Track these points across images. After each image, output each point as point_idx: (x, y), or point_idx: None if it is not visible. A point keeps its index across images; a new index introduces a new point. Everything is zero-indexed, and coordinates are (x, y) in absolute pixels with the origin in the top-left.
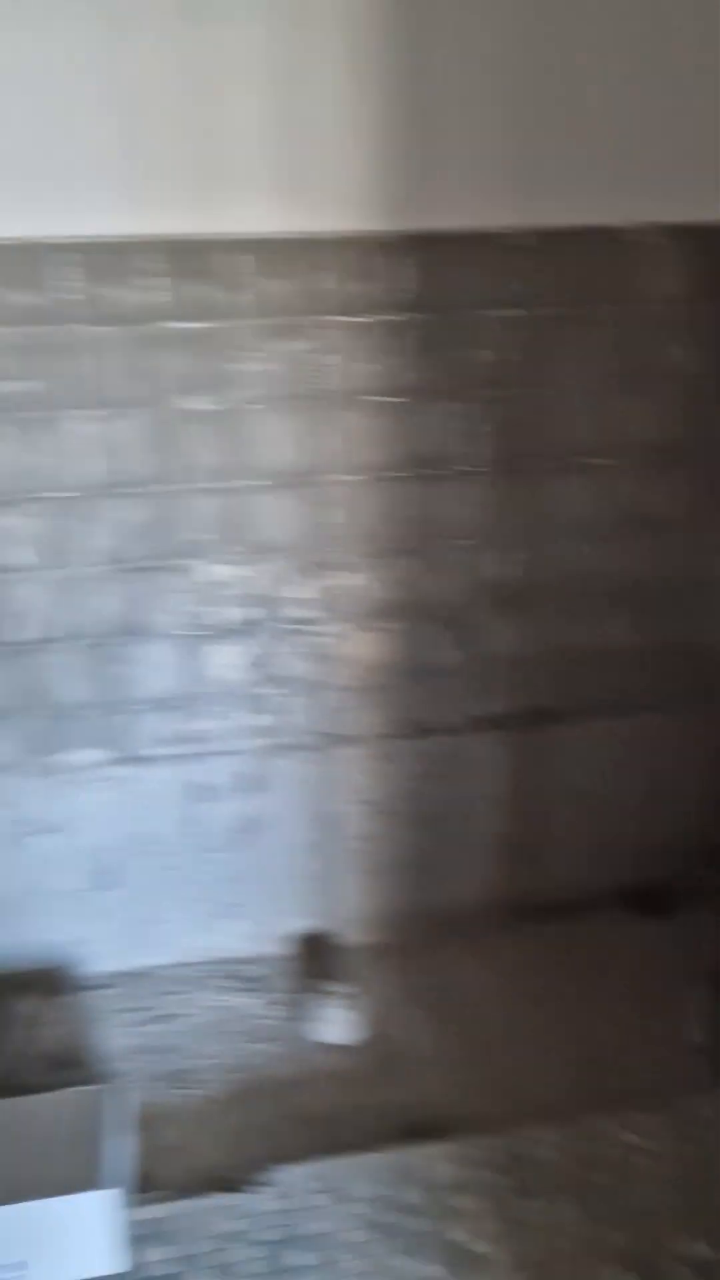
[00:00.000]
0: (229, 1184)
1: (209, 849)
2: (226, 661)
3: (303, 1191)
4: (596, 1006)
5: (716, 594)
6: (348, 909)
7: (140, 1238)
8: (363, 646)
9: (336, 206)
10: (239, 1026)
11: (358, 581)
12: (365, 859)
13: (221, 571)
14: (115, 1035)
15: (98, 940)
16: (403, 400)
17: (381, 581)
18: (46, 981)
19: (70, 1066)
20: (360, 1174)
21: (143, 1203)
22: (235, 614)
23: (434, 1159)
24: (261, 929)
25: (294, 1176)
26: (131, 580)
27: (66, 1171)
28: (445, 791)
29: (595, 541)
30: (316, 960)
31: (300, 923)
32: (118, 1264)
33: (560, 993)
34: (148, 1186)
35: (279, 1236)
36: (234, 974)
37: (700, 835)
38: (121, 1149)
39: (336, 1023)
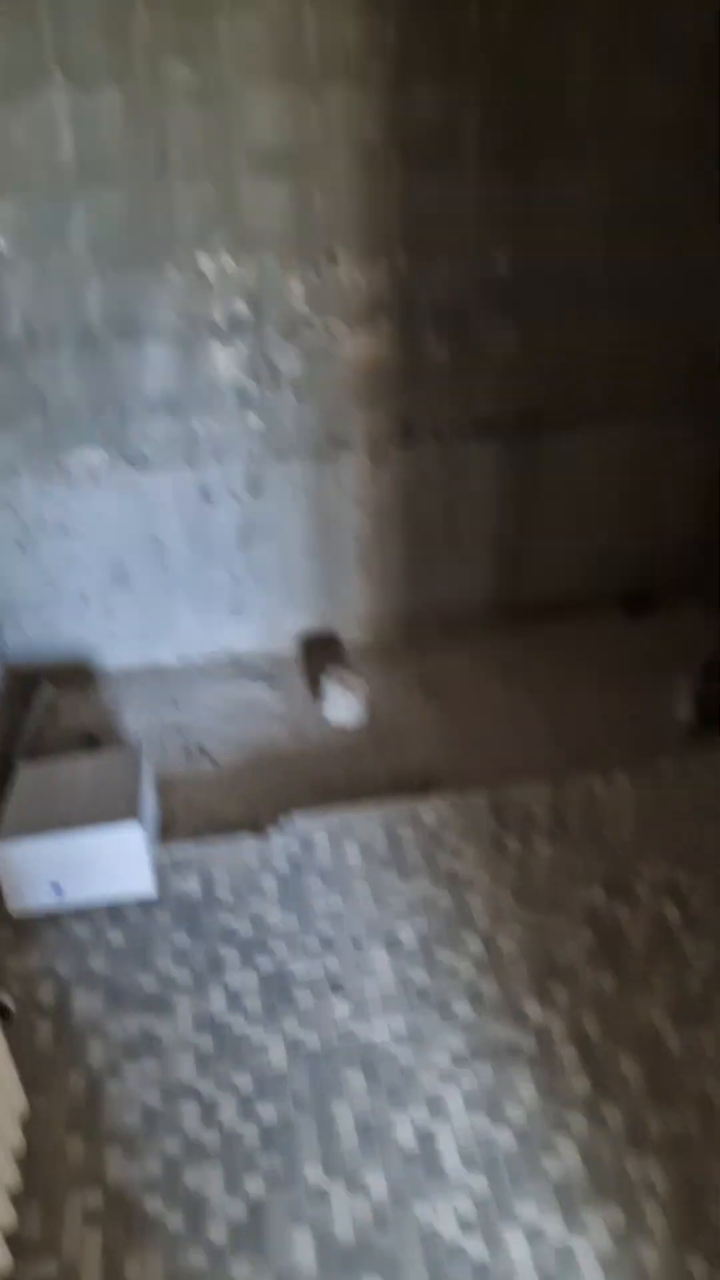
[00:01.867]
0: (243, 828)
1: (215, 551)
2: (220, 361)
3: (311, 833)
4: (582, 692)
5: None
6: (350, 610)
7: (166, 870)
8: (356, 346)
9: None
10: (250, 712)
11: (348, 276)
12: (364, 562)
13: (209, 265)
14: (136, 719)
15: (115, 637)
16: (389, 69)
17: (372, 277)
18: (71, 674)
19: (97, 745)
20: (361, 820)
21: (168, 843)
22: (226, 311)
23: (426, 808)
24: (268, 628)
25: (303, 823)
26: (117, 275)
27: (103, 814)
28: (440, 496)
29: (594, 233)
30: (321, 655)
31: (305, 622)
32: (146, 888)
33: (549, 681)
34: (171, 833)
35: (290, 867)
36: (244, 668)
37: (695, 539)
38: (151, 800)
39: (340, 707)
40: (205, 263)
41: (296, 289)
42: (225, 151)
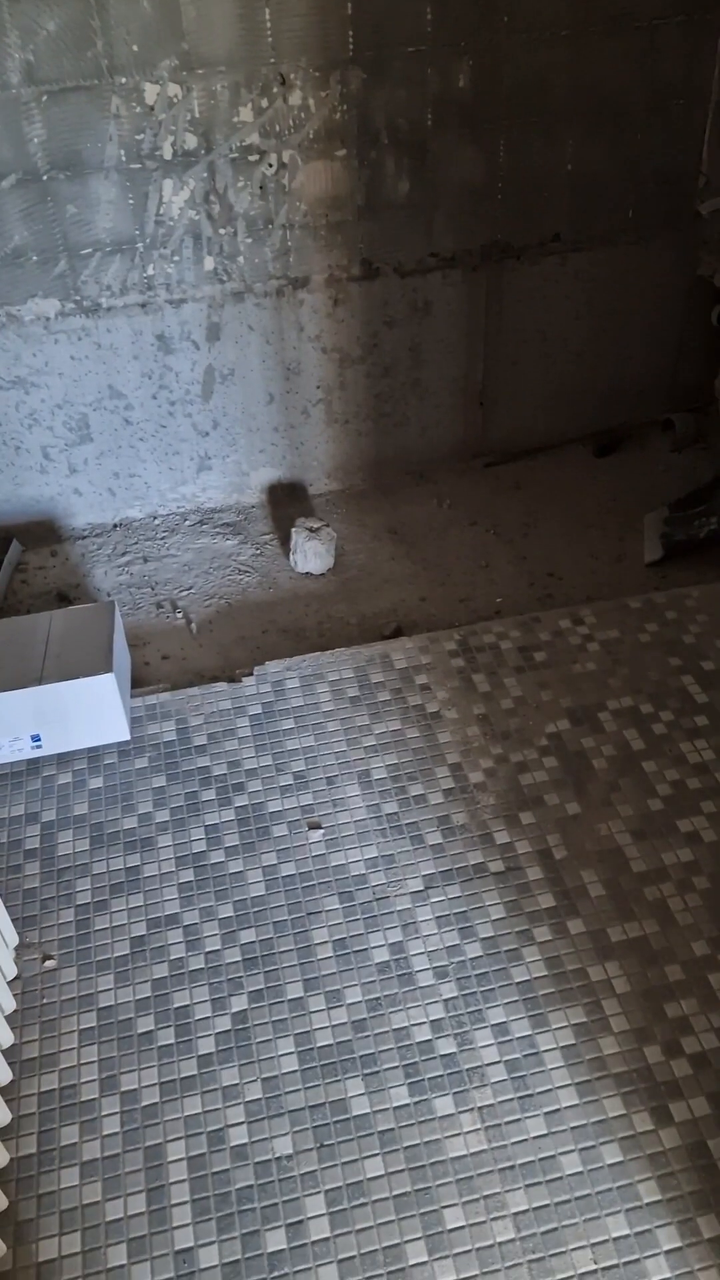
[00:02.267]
0: (216, 677)
1: (177, 403)
2: (171, 198)
3: (283, 678)
4: (551, 534)
5: (691, 107)
6: (317, 460)
7: (143, 718)
8: (311, 178)
9: None
10: (219, 564)
11: (300, 101)
12: (330, 410)
13: (153, 91)
14: (106, 575)
15: (82, 495)
16: None
17: (326, 100)
18: (40, 533)
19: (68, 603)
20: (332, 664)
21: (142, 694)
22: (175, 144)
23: (396, 650)
24: (236, 481)
25: (275, 669)
26: (57, 108)
27: (77, 666)
28: (404, 337)
29: (559, 43)
30: (288, 505)
31: (272, 474)
32: (122, 735)
33: (519, 524)
34: (147, 684)
35: (263, 711)
36: (211, 521)
37: (663, 376)
38: (124, 651)
39: (309, 556)
40: (150, 91)
41: (247, 117)
42: None
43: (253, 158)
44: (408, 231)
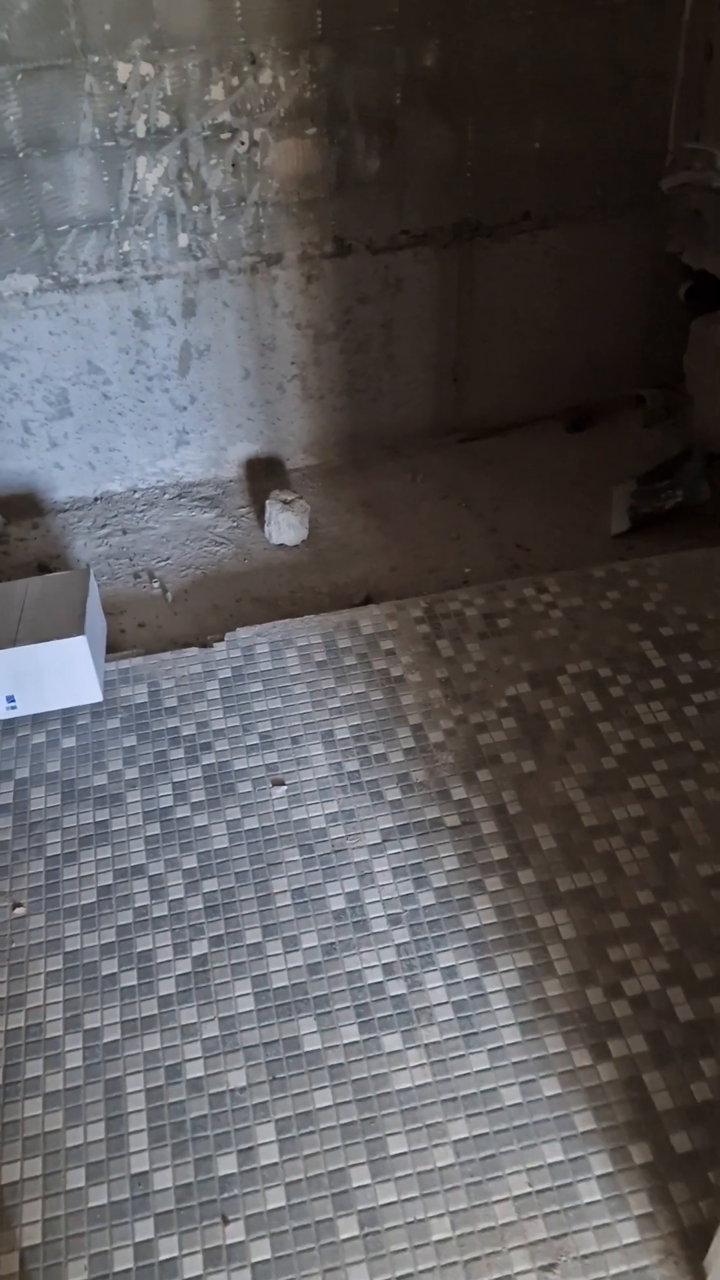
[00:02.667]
0: (190, 643)
1: (154, 378)
2: (145, 175)
3: (253, 644)
4: (521, 507)
5: (656, 86)
6: (292, 434)
7: (116, 681)
8: (283, 156)
9: None
10: (196, 536)
11: (270, 80)
12: (305, 385)
13: (125, 70)
14: (86, 546)
15: (63, 468)
16: None
17: (296, 78)
18: (21, 506)
19: (49, 571)
20: (301, 630)
21: (116, 658)
22: (148, 122)
23: (364, 617)
24: (214, 456)
25: (246, 635)
26: (31, 86)
27: (50, 629)
28: (377, 313)
29: (525, 21)
30: (265, 479)
31: (249, 449)
32: (94, 696)
33: (490, 498)
34: (121, 649)
35: (233, 675)
36: (189, 495)
37: (633, 351)
38: (98, 616)
39: (283, 528)
40: (123, 70)
41: (218, 95)
42: None
43: (224, 136)
44: (379, 209)
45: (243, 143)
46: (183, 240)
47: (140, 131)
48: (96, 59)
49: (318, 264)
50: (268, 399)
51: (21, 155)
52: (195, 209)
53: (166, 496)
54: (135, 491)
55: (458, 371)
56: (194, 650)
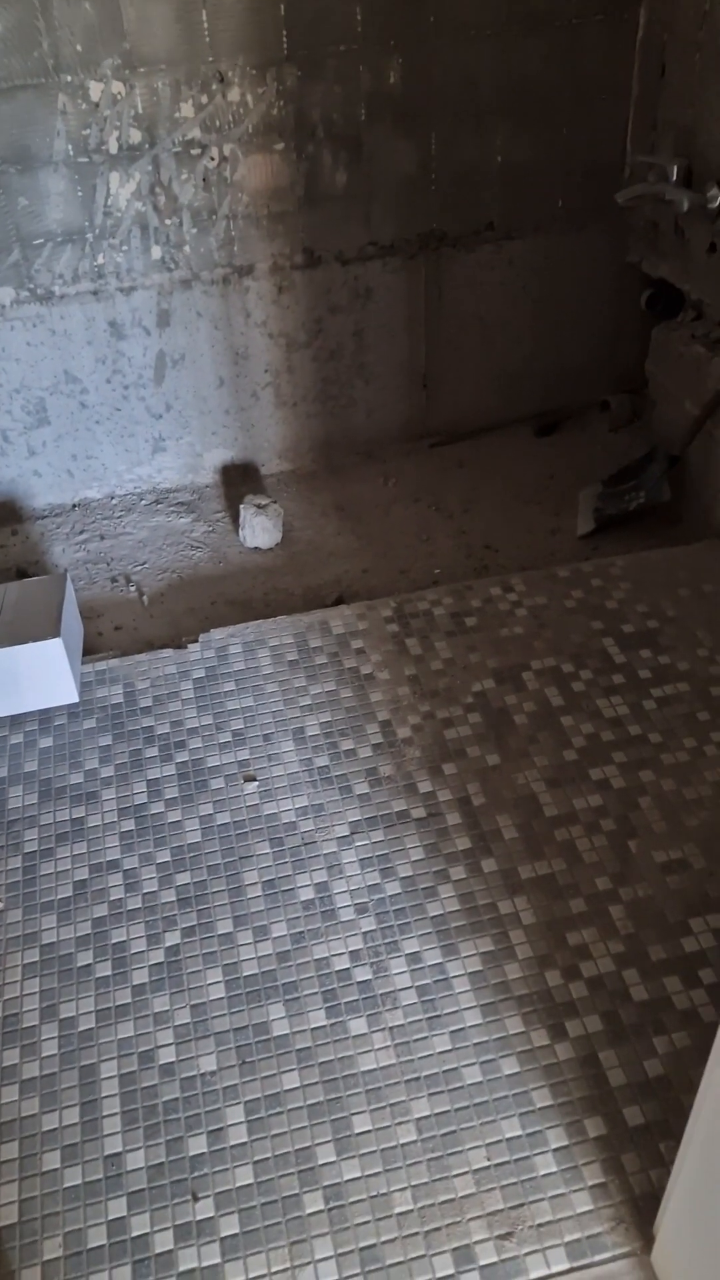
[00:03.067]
0: (165, 645)
1: (130, 387)
2: (118, 191)
3: (227, 645)
4: (491, 510)
5: (613, 101)
6: (267, 441)
7: (93, 683)
8: (252, 171)
9: None
10: (173, 540)
11: (239, 97)
12: (278, 393)
13: (97, 89)
14: (64, 552)
15: (41, 477)
16: None
17: (263, 96)
18: (0, 513)
19: (28, 576)
20: (274, 631)
21: (92, 660)
22: (120, 139)
23: (335, 617)
24: (190, 462)
25: (219, 636)
26: (6, 104)
27: (26, 632)
28: (347, 322)
29: (485, 40)
30: (241, 485)
31: (225, 455)
32: (71, 697)
33: (460, 501)
34: (98, 652)
35: (206, 675)
36: (166, 500)
37: (606, 358)
38: (74, 618)
39: (257, 531)
40: (95, 89)
41: (188, 113)
42: None
43: (195, 151)
44: (347, 221)
45: (213, 158)
46: (156, 253)
47: (112, 148)
48: (69, 78)
49: (288, 275)
50: (242, 406)
51: None
52: (168, 222)
53: (144, 502)
54: (113, 498)
55: (428, 378)
56: (169, 651)
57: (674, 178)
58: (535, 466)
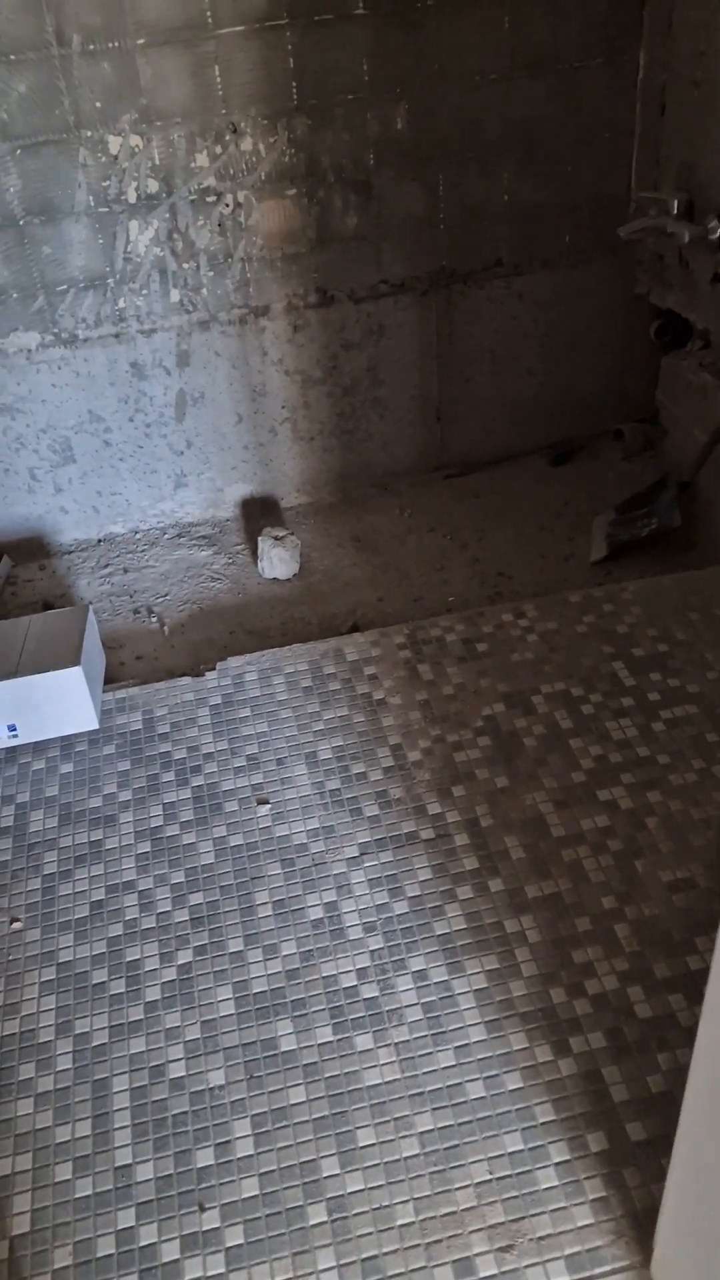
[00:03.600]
0: (185, 674)
1: (152, 425)
2: (138, 238)
3: (243, 672)
4: (505, 538)
5: (616, 140)
6: (285, 475)
7: (113, 710)
8: (266, 215)
9: None
10: (194, 573)
11: (251, 147)
12: (295, 428)
13: (116, 142)
14: (89, 585)
15: (68, 513)
16: None
17: (275, 145)
18: (28, 548)
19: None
20: (289, 658)
21: (113, 689)
22: (138, 189)
23: (349, 645)
24: (211, 497)
25: (236, 664)
26: (31, 159)
27: (49, 661)
28: (361, 359)
29: (488, 85)
30: (261, 518)
31: (244, 489)
32: (91, 724)
33: (475, 530)
34: (119, 680)
35: (223, 701)
36: (188, 534)
37: (611, 387)
38: (96, 648)
39: (275, 563)
40: (114, 143)
41: (203, 162)
42: (121, 30)
43: (210, 199)
44: (358, 261)
45: (227, 205)
46: (174, 296)
47: (131, 198)
48: (89, 133)
49: (303, 314)
50: (261, 442)
51: (22, 223)
52: (185, 266)
53: (166, 536)
54: (137, 532)
55: (441, 411)
56: (187, 680)
57: (675, 211)
58: (549, 495)
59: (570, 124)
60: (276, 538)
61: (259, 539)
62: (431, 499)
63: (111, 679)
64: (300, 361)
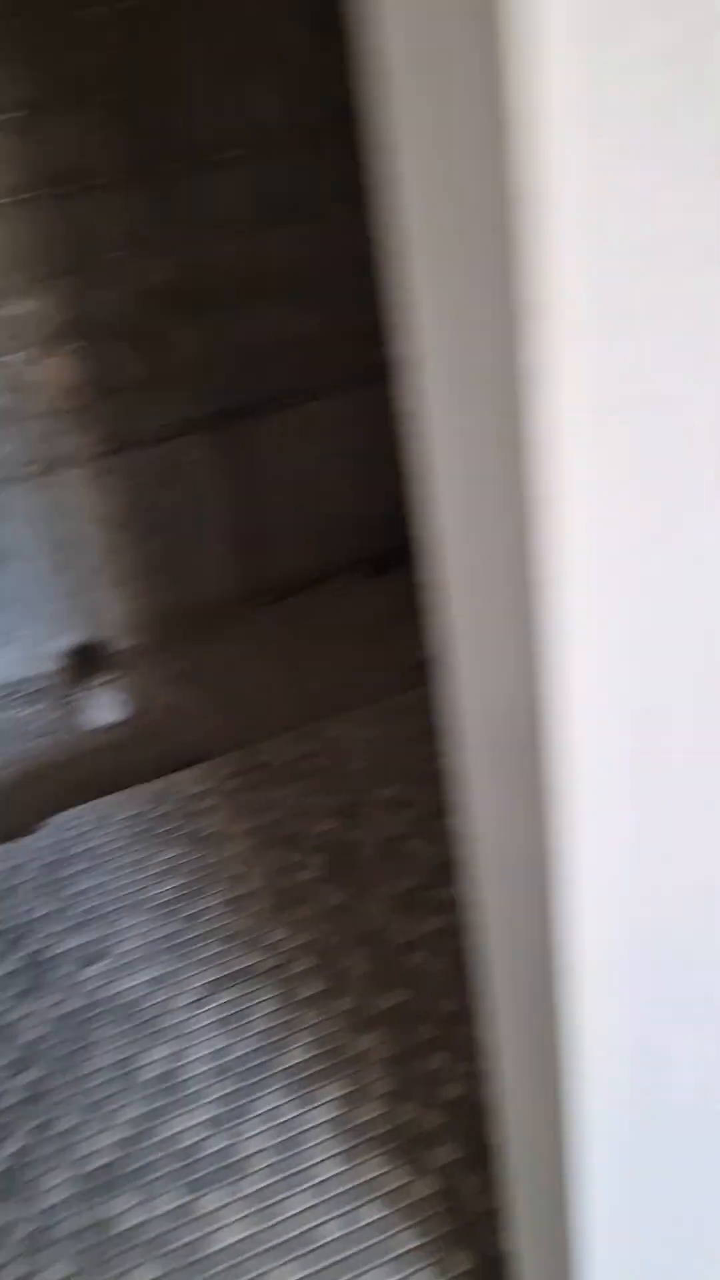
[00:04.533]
0: (9, 835)
1: None
2: None
3: (74, 825)
4: (329, 652)
5: (370, 274)
6: (107, 619)
7: None
8: (51, 372)
9: None
10: (17, 731)
11: (27, 309)
12: (111, 573)
13: None
14: None
15: None
16: (20, 115)
17: (52, 304)
18: None
19: None
20: (122, 803)
21: None
22: None
23: (184, 780)
24: (33, 651)
25: (66, 817)
26: None
27: None
28: (165, 498)
29: (242, 235)
30: (87, 665)
31: (68, 638)
32: None
33: (300, 648)
34: None
35: (55, 858)
36: (15, 693)
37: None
38: None
39: (102, 707)
40: None
41: None
42: None
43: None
44: (149, 405)
45: (13, 366)
46: None
47: None
48: None
49: (101, 462)
50: (80, 589)
51: None
52: None
53: None
54: None
55: (254, 540)
56: (9, 845)
57: None
58: (370, 606)
59: (324, 263)
60: (102, 684)
61: (85, 687)
62: (258, 624)
63: None
64: (106, 508)
